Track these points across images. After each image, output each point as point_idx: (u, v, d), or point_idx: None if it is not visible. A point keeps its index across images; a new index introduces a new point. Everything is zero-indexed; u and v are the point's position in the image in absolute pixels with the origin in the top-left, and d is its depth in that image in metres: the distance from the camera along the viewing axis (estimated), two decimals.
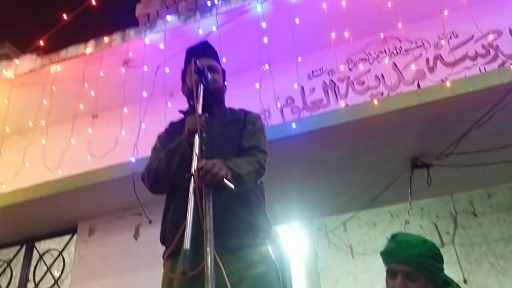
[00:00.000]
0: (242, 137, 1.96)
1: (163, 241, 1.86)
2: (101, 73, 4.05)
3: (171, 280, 1.72)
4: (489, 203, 6.19)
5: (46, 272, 4.32)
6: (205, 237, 1.55)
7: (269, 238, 1.88)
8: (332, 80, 3.94)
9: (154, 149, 2.05)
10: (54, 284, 4.23)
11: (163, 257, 1.79)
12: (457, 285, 1.97)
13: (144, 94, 3.93)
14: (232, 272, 1.63)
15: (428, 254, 1.85)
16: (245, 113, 2.10)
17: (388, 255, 1.93)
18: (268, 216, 1.93)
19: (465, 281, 5.78)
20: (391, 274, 1.89)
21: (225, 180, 1.59)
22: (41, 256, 4.41)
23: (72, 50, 4.21)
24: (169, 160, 1.84)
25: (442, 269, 1.92)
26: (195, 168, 1.61)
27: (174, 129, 2.06)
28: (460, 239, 6.13)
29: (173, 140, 1.91)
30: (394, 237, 1.98)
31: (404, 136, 3.45)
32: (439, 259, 1.89)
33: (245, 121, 2.03)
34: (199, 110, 1.81)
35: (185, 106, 2.15)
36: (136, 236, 4.03)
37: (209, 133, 1.90)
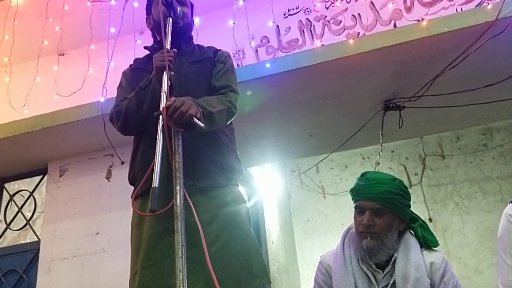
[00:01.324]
0: (211, 76, 1.89)
1: (132, 181, 1.83)
2: (66, 7, 3.82)
3: (142, 219, 1.71)
4: (457, 145, 6.37)
5: (17, 213, 4.30)
6: (174, 175, 1.53)
7: (240, 178, 1.88)
8: (308, 19, 3.82)
9: (120, 87, 1.97)
10: (26, 225, 4.21)
11: (131, 197, 1.78)
12: (423, 221, 2.04)
13: (112, 30, 3.76)
14: (203, 211, 1.63)
15: (395, 191, 1.90)
16: (214, 51, 2.01)
17: (357, 192, 1.97)
18: (239, 156, 1.92)
19: (430, 220, 6.05)
20: (359, 210, 1.94)
21: (194, 119, 1.55)
22: (11, 197, 4.36)
23: None
24: (140, 99, 1.76)
25: (409, 206, 1.97)
26: (164, 106, 1.56)
27: (139, 66, 1.98)
28: (427, 180, 6.35)
29: (139, 77, 1.84)
30: (363, 175, 2.01)
31: (378, 77, 3.44)
32: (406, 196, 1.94)
33: (215, 60, 1.95)
34: (168, 46, 1.73)
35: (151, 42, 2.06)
36: (108, 177, 4.01)
37: (177, 71, 1.83)
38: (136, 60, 2.05)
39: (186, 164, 1.57)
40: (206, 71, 1.90)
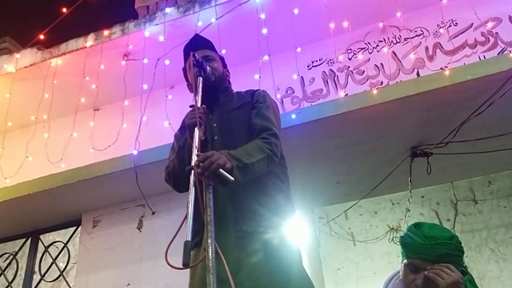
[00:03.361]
0: (252, 118, 1.96)
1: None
2: (102, 66, 4.07)
3: (194, 269, 1.77)
4: (489, 190, 6.21)
5: (51, 264, 4.38)
6: (206, 228, 1.58)
7: (288, 218, 1.89)
8: (331, 70, 3.94)
9: (172, 148, 2.07)
10: (59, 276, 4.29)
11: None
12: (470, 275, 1.97)
13: (145, 86, 3.95)
14: (250, 253, 1.69)
15: (453, 253, 1.83)
16: (252, 93, 2.10)
17: (412, 249, 1.87)
18: (289, 194, 1.94)
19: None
20: (412, 269, 1.85)
21: (221, 170, 1.60)
22: (46, 248, 4.47)
23: (72, 44, 4.23)
24: (180, 158, 1.88)
25: (463, 264, 1.90)
26: (195, 161, 1.64)
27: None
28: (460, 226, 6.17)
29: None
30: (418, 228, 1.91)
31: (403, 125, 3.46)
32: (461, 254, 1.87)
33: (253, 102, 2.03)
34: (198, 103, 1.83)
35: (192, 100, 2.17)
36: (139, 227, 4.08)
37: (218, 121, 1.95)
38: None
39: (233, 208, 1.71)
40: (245, 116, 1.98)
